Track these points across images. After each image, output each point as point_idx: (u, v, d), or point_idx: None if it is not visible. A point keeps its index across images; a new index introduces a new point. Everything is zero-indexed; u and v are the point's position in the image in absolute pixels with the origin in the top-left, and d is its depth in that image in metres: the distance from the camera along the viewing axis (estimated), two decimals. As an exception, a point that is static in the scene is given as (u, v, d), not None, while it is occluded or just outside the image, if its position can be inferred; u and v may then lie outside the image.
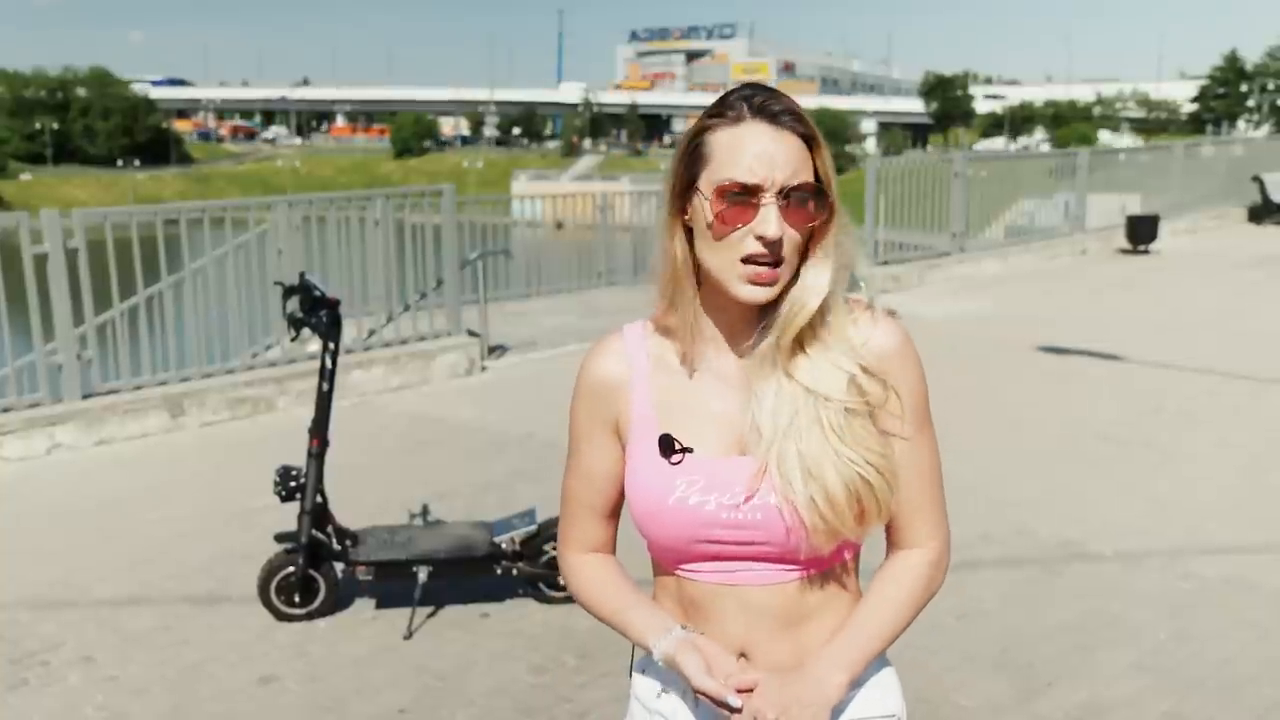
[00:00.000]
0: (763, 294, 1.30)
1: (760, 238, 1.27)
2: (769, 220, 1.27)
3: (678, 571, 1.40)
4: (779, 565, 1.35)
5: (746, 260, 1.28)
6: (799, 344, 1.33)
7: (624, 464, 1.42)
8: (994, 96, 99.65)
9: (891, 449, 1.35)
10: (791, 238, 1.29)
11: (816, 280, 1.32)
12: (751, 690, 1.30)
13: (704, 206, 1.30)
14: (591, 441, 1.45)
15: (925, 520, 1.42)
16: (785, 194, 1.27)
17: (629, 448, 1.41)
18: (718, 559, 1.36)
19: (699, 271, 1.35)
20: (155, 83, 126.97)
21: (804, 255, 1.33)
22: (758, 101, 1.30)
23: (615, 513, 1.49)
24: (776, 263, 1.29)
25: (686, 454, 1.35)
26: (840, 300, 1.35)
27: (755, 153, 1.28)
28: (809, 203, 1.29)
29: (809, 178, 1.29)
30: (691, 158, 1.32)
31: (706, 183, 1.30)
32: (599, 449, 1.45)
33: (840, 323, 1.35)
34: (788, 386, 1.33)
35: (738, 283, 1.30)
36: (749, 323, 1.36)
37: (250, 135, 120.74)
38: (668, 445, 1.36)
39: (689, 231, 1.35)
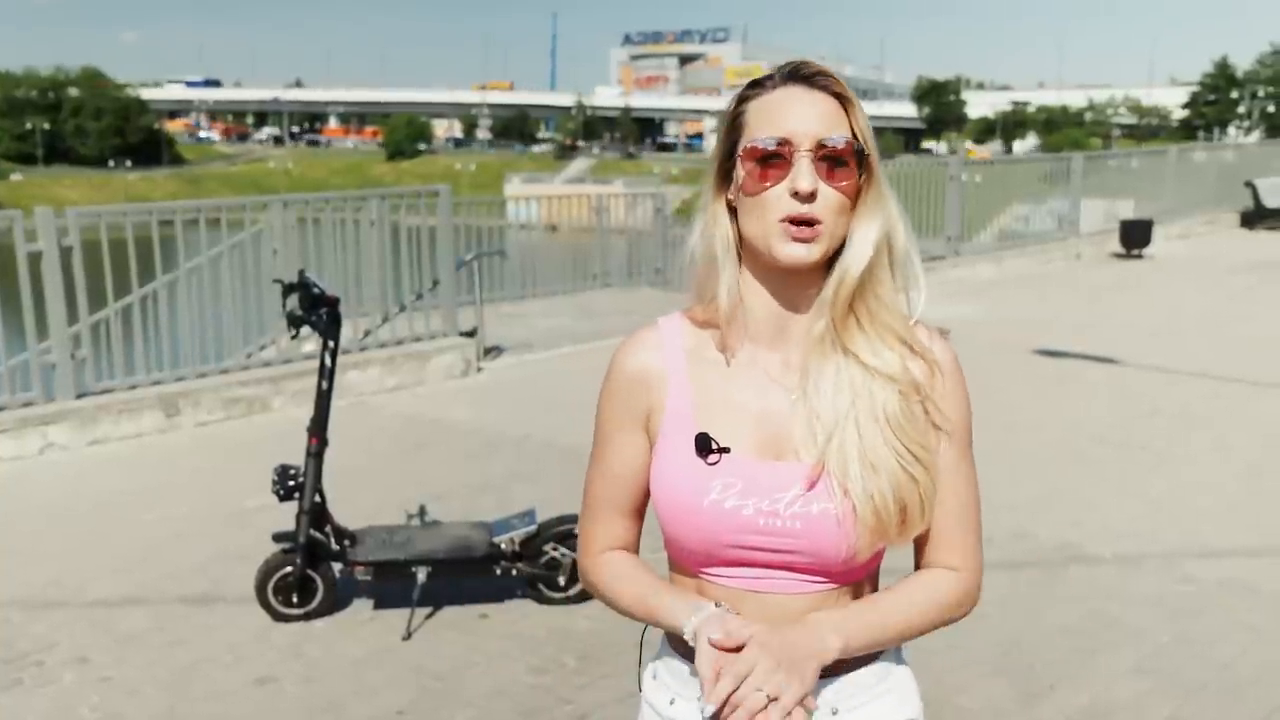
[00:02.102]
0: (804, 252, 1.27)
1: (795, 193, 1.26)
2: (802, 174, 1.26)
3: (699, 573, 1.36)
4: (807, 576, 1.32)
5: (785, 220, 1.27)
6: (855, 319, 1.31)
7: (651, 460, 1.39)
8: (1018, 103, 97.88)
9: (938, 447, 1.33)
10: (829, 196, 1.27)
11: (862, 242, 1.29)
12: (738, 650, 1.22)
13: (741, 172, 1.30)
14: (622, 436, 1.40)
15: (960, 545, 1.39)
16: (820, 150, 1.27)
17: (659, 443, 1.36)
18: (746, 565, 1.32)
19: (743, 256, 1.34)
20: (190, 83, 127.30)
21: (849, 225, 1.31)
22: (790, 68, 1.32)
23: (640, 511, 1.44)
24: (815, 221, 1.27)
25: (724, 454, 1.31)
26: (888, 271, 1.32)
27: (789, 112, 1.28)
28: (847, 162, 1.28)
29: (845, 135, 1.28)
30: (730, 130, 1.33)
31: (743, 149, 1.30)
32: (628, 445, 1.40)
33: (892, 298, 1.32)
34: (845, 368, 1.31)
35: (778, 243, 1.27)
36: (801, 308, 1.33)
37: (242, 136, 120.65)
38: (704, 444, 1.31)
39: (733, 212, 1.33)
